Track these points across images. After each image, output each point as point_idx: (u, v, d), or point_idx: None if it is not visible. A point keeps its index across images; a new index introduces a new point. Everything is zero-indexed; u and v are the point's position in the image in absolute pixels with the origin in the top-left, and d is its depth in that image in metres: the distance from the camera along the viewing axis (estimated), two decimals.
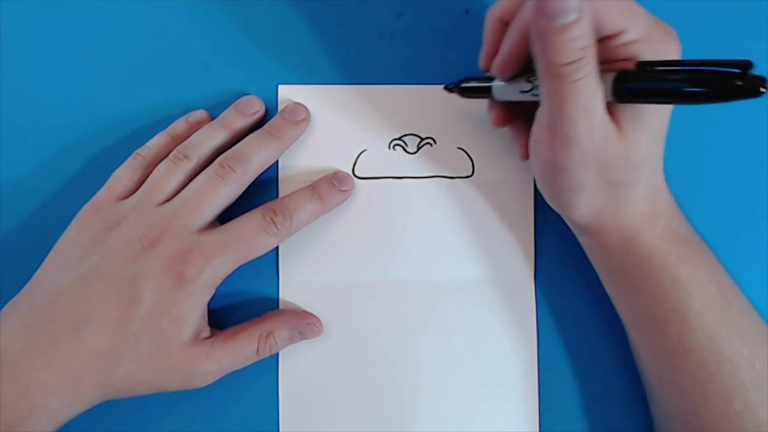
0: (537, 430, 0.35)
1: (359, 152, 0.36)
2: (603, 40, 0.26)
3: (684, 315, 0.29)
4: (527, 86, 0.28)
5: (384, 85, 0.36)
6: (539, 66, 0.25)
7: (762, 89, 0.21)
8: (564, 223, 0.34)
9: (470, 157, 0.35)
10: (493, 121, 0.32)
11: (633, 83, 0.25)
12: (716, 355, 0.29)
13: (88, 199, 0.33)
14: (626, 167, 0.28)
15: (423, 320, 0.35)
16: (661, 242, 0.30)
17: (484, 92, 0.31)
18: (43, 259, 0.32)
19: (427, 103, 0.35)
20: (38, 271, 0.32)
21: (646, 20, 0.26)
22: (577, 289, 0.35)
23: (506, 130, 0.33)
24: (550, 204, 0.32)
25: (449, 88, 0.33)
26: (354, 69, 0.36)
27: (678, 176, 0.35)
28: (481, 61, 0.31)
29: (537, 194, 0.35)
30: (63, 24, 0.36)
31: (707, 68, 0.24)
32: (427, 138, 0.36)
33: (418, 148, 0.36)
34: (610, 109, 0.27)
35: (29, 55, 0.36)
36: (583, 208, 0.29)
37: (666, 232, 0.30)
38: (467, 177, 0.35)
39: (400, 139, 0.36)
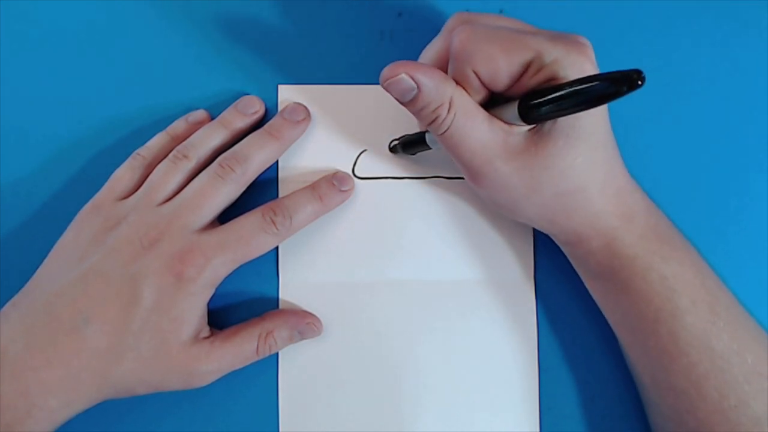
0: (537, 430, 0.35)
1: (359, 152, 0.36)
2: (524, 74, 0.27)
3: (673, 313, 0.30)
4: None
5: None
6: None
7: (639, 81, 0.22)
8: None
9: None
10: None
11: (530, 103, 0.27)
12: (708, 351, 0.29)
13: (88, 200, 0.33)
14: (558, 175, 0.29)
15: (423, 320, 0.35)
16: (642, 241, 0.30)
17: (421, 145, 0.33)
18: (43, 259, 0.32)
19: None
20: (38, 270, 0.32)
21: (548, 39, 0.27)
22: (576, 288, 0.35)
23: None
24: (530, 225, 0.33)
25: (394, 150, 0.35)
26: (354, 69, 0.36)
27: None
28: (420, 125, 0.33)
29: None
30: (63, 24, 0.36)
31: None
32: None
33: None
34: (530, 132, 0.29)
35: (29, 55, 0.36)
36: (543, 219, 0.30)
37: (645, 230, 0.30)
38: None
39: (400, 139, 0.36)
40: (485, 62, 0.27)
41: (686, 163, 0.36)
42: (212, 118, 0.35)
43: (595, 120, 0.28)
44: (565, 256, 0.33)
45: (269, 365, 0.35)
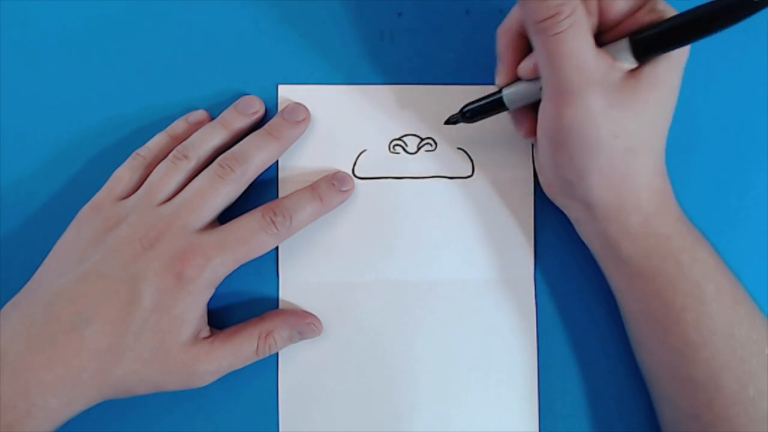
0: (537, 430, 0.35)
1: (359, 152, 0.36)
2: (638, 11, 0.28)
3: (700, 299, 0.30)
4: None
5: (384, 85, 0.36)
6: (529, 30, 0.28)
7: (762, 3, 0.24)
8: (564, 222, 0.34)
9: (470, 157, 0.35)
10: (527, 133, 0.32)
11: (646, 34, 0.27)
12: (729, 340, 0.30)
13: (88, 200, 0.33)
14: (640, 128, 0.29)
15: (422, 320, 0.35)
16: (676, 223, 0.31)
17: (494, 108, 0.32)
18: (43, 259, 0.33)
19: (427, 103, 0.35)
20: (38, 270, 0.32)
21: None
22: (576, 288, 0.35)
23: (507, 127, 0.33)
24: (565, 193, 0.32)
25: (452, 121, 0.34)
26: (354, 69, 0.36)
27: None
28: (501, 77, 0.32)
29: (537, 194, 0.35)
30: (63, 24, 0.36)
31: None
32: (427, 138, 0.36)
33: (418, 148, 0.36)
34: (627, 76, 0.28)
35: (29, 55, 0.36)
36: (600, 176, 0.29)
37: (678, 213, 0.31)
38: (467, 177, 0.35)
39: (400, 139, 0.36)
40: None
41: (686, 164, 0.36)
42: (212, 118, 0.35)
43: (676, 92, 0.29)
44: (565, 257, 0.33)
45: (269, 365, 0.35)
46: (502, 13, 0.36)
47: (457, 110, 0.34)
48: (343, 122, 0.35)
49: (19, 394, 0.29)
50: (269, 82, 0.36)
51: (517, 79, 0.31)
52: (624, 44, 0.28)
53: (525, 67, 0.30)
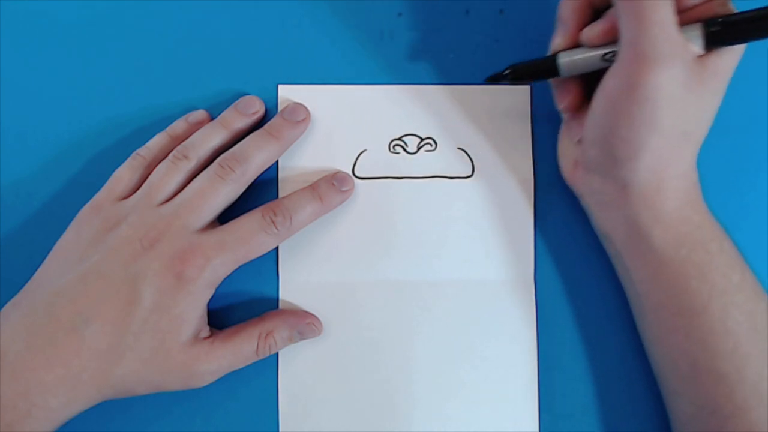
0: (537, 430, 0.35)
1: (359, 152, 0.36)
2: (709, 2, 0.28)
3: (726, 289, 0.30)
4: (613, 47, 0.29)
5: (384, 85, 0.36)
6: None
7: None
8: (564, 223, 0.34)
9: (470, 157, 0.35)
10: (569, 105, 0.32)
11: (725, 22, 0.27)
12: (752, 331, 0.30)
13: (88, 200, 0.33)
14: (696, 115, 0.29)
15: (422, 320, 0.35)
16: (705, 213, 0.31)
17: (542, 72, 0.31)
18: (43, 259, 0.32)
19: (427, 103, 0.35)
20: (38, 271, 0.32)
21: None
22: (576, 288, 0.35)
23: (508, 127, 0.33)
24: (603, 172, 0.31)
25: (494, 78, 0.33)
26: (354, 69, 0.36)
27: None
28: (560, 41, 0.31)
29: (537, 194, 0.35)
30: (63, 24, 0.36)
31: None
32: (427, 138, 0.36)
33: (418, 148, 0.36)
34: (695, 60, 0.28)
35: (29, 55, 0.36)
36: (650, 156, 0.29)
37: (704, 205, 0.31)
38: (467, 177, 0.35)
39: (400, 139, 0.36)
40: None
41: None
42: (212, 118, 0.35)
43: (726, 87, 0.29)
44: (565, 257, 0.33)
45: (269, 365, 0.35)
46: (503, 13, 0.36)
47: (457, 111, 0.34)
48: (343, 122, 0.35)
49: (19, 394, 0.29)
50: (269, 82, 0.36)
51: (576, 46, 0.31)
52: (696, 30, 0.28)
53: (591, 32, 0.29)
